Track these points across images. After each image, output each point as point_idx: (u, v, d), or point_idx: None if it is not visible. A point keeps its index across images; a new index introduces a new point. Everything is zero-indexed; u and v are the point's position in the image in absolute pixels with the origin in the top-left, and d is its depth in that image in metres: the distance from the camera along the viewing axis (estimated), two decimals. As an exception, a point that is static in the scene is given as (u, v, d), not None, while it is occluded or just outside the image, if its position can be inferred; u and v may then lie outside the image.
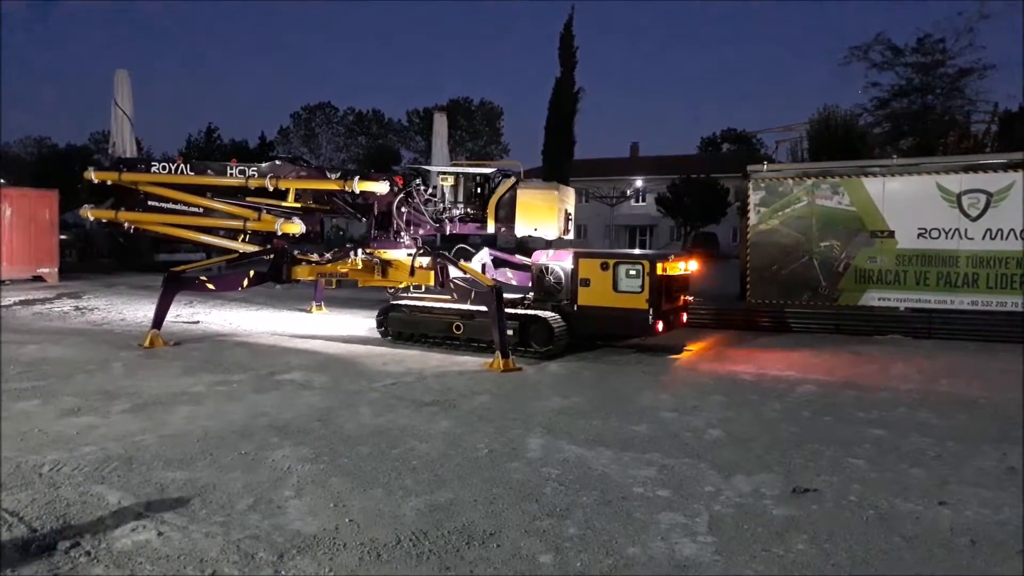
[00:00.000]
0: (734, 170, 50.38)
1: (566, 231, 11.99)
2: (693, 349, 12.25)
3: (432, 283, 11.73)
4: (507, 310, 10.84)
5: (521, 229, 11.77)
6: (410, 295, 12.68)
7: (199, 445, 6.34)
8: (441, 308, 11.97)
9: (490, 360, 10.23)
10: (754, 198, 15.89)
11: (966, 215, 14.04)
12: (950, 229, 14.19)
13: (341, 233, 12.32)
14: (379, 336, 12.50)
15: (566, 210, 11.88)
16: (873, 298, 14.81)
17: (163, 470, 5.67)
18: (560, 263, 11.62)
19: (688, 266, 12.18)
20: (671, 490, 5.41)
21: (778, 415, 7.78)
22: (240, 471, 5.70)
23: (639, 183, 52.61)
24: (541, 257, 11.87)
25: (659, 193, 48.43)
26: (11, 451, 6.03)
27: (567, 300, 11.49)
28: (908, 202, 14.56)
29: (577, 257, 11.50)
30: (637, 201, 55.16)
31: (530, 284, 12.00)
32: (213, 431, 6.76)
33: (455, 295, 11.23)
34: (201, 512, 4.88)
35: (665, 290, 11.31)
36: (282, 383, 8.93)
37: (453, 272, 11.41)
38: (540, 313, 11.18)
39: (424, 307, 12.19)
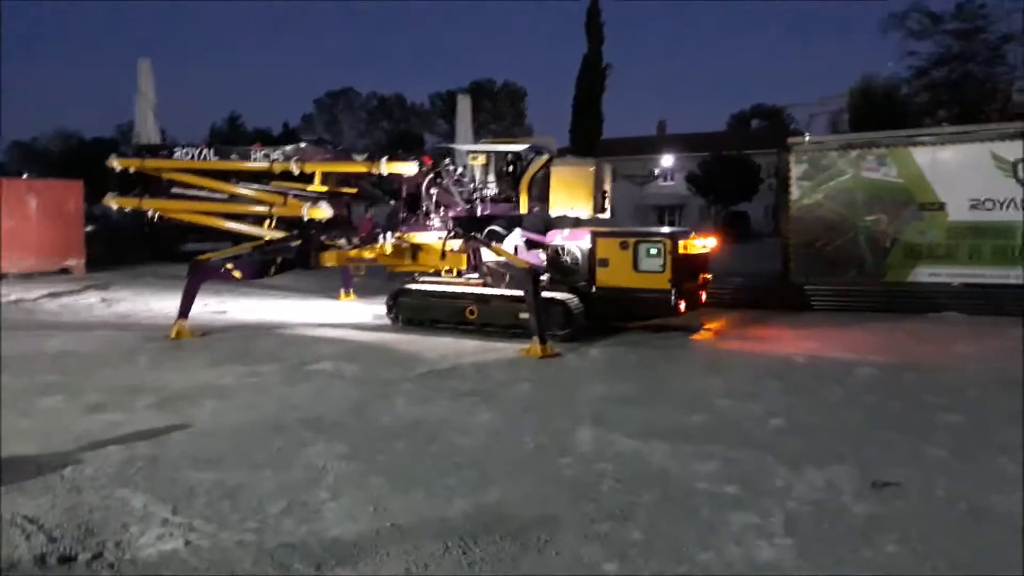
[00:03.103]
0: (765, 146, 49.37)
1: (602, 209, 11.51)
2: (712, 328, 11.78)
3: (464, 267, 11.32)
4: (520, 293, 10.43)
5: (555, 208, 11.32)
6: (421, 279, 12.20)
7: (228, 442, 5.99)
8: (453, 292, 11.53)
9: (527, 346, 9.81)
10: (796, 172, 15.23)
11: (1023, 185, 13.33)
12: (1005, 200, 13.45)
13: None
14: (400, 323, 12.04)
15: (603, 188, 11.39)
16: (923, 274, 14.13)
17: (191, 470, 5.33)
18: (577, 243, 11.14)
19: (708, 243, 11.69)
20: (738, 486, 4.96)
21: (841, 400, 7.29)
22: (272, 470, 5.34)
23: (668, 161, 51.69)
24: (556, 237, 11.40)
25: (689, 171, 47.53)
26: (33, 451, 5.72)
27: (585, 281, 11.03)
28: (960, 172, 13.84)
29: (595, 236, 11.02)
30: (666, 180, 54.29)
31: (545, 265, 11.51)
32: (243, 426, 6.41)
33: (489, 279, 10.80)
34: (232, 517, 4.52)
35: (687, 268, 10.86)
36: (313, 374, 8.58)
37: (486, 255, 10.98)
38: (558, 295, 10.71)
39: (435, 291, 11.74)
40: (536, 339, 9.63)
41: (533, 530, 4.29)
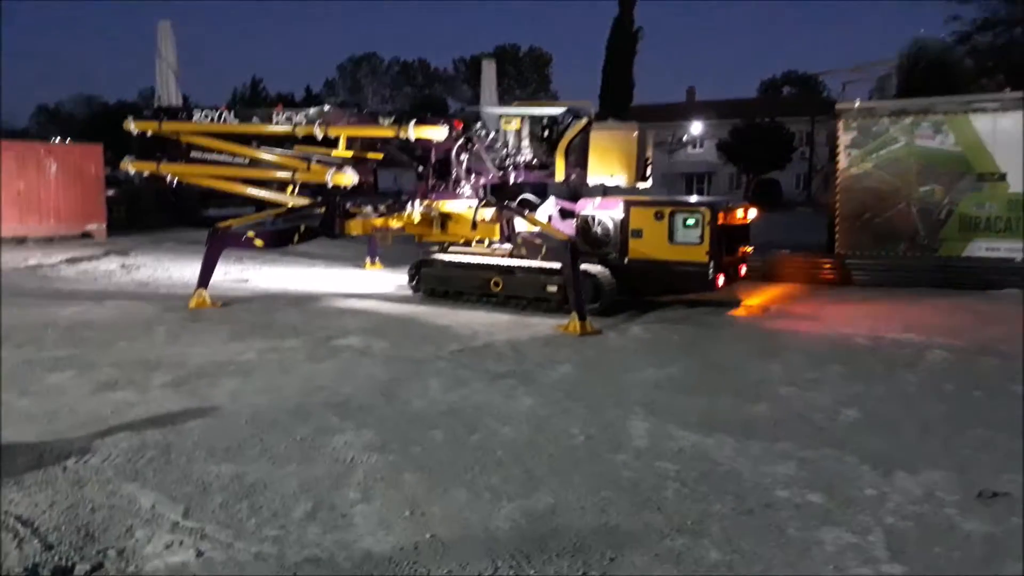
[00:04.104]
0: (796, 114, 48.08)
1: (644, 178, 10.82)
2: (752, 304, 11.14)
3: (497, 237, 10.71)
4: (547, 265, 9.97)
5: (594, 176, 10.65)
6: (443, 249, 11.62)
7: (248, 428, 5.47)
8: (477, 263, 10.96)
9: (564, 322, 9.22)
10: (844, 139, 14.43)
11: (1095, 154, 12.44)
12: (1074, 170, 12.61)
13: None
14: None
15: (645, 155, 10.69)
16: (980, 248, 13.35)
17: (206, 462, 4.81)
18: (609, 212, 10.50)
19: (748, 214, 11.00)
20: (823, 494, 4.35)
21: (917, 389, 6.63)
22: (296, 463, 4.81)
23: (697, 129, 50.42)
24: (587, 206, 10.75)
25: (720, 139, 46.30)
26: (35, 436, 5.23)
27: (616, 253, 10.42)
28: (1024, 140, 12.99)
29: (628, 206, 10.38)
30: (694, 148, 53.05)
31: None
32: (264, 410, 5.89)
33: (523, 251, 10.16)
34: (249, 522, 3.99)
35: (726, 241, 10.23)
36: (339, 349, 8.05)
37: (520, 225, 10.35)
38: (587, 267, 10.06)
39: (459, 262, 11.16)
40: (575, 315, 9.04)
41: (594, 546, 3.72)
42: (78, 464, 4.74)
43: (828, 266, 13.96)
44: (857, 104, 14.96)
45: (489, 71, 26.78)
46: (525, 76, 75.50)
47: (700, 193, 50.79)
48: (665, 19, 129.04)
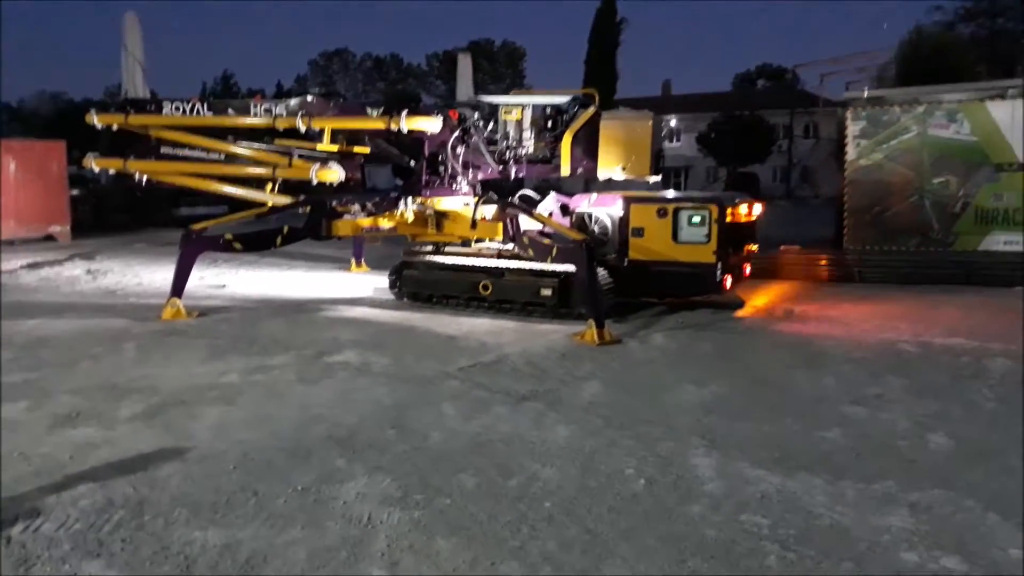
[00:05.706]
0: (773, 107, 47.81)
1: (657, 172, 10.01)
2: (762, 305, 10.34)
3: (500, 237, 9.84)
4: (540, 267, 9.24)
5: (605, 169, 9.83)
6: (424, 249, 10.75)
7: (237, 476, 4.56)
8: (463, 265, 10.12)
9: (580, 330, 8.38)
10: (853, 129, 13.74)
11: (1122, 143, 11.87)
12: (1099, 160, 12.03)
13: None
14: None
15: (659, 146, 9.89)
16: (997, 242, 12.73)
17: (188, 525, 3.90)
18: (606, 209, 9.71)
19: (755, 210, 10.29)
20: (959, 556, 3.54)
21: (999, 406, 5.87)
22: (300, 526, 3.91)
23: (674, 122, 49.84)
24: (582, 203, 9.95)
25: (699, 132, 45.77)
26: (-23, 493, 4.29)
27: (615, 253, 9.65)
28: (1045, 129, 12.37)
29: (628, 202, 9.60)
30: (671, 141, 52.43)
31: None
32: (254, 449, 4.98)
33: (531, 252, 9.29)
34: (250, 618, 3.11)
35: (733, 239, 9.58)
36: (334, 367, 7.14)
37: (526, 224, 9.49)
38: None
39: (443, 263, 10.31)
40: (592, 323, 8.20)
41: (702, 645, 2.89)
42: (26, 533, 3.81)
43: (837, 262, 13.27)
44: (866, 93, 14.29)
45: (465, 64, 25.85)
46: (499, 71, 74.54)
47: (678, 187, 50.10)
48: (638, 11, 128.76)
